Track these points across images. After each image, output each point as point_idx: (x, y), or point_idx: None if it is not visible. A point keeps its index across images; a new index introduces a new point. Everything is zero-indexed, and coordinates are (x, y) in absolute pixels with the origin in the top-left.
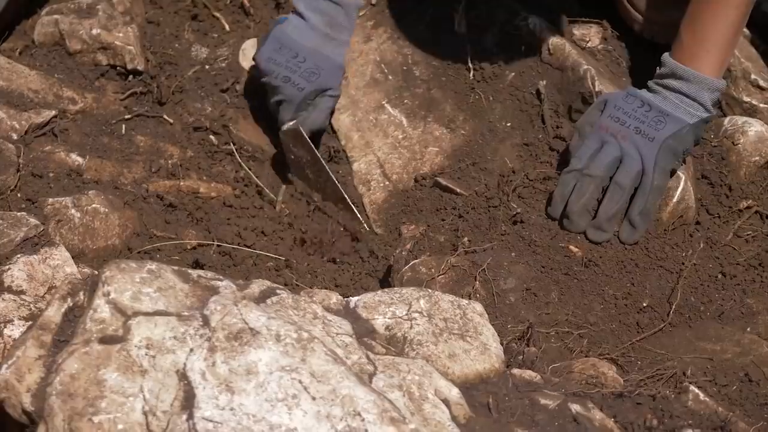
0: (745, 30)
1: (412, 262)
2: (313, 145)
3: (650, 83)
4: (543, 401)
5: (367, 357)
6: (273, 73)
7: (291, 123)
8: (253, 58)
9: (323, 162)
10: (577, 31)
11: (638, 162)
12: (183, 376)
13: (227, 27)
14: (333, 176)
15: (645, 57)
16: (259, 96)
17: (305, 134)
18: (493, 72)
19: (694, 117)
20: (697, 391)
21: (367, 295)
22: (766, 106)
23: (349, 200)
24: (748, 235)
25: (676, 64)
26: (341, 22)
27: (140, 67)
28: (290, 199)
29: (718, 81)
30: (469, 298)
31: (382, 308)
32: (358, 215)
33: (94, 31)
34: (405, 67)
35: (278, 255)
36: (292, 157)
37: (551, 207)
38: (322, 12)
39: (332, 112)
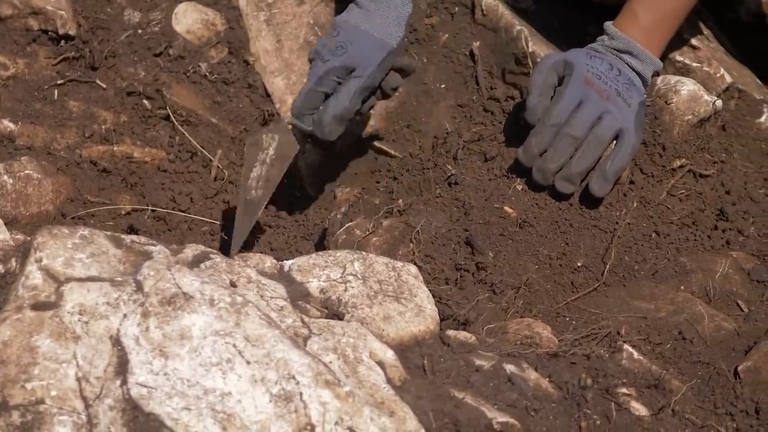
0: None
1: (346, 225)
2: (287, 168)
3: (603, 50)
4: (478, 362)
5: (302, 320)
6: (311, 53)
7: (288, 117)
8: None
9: (276, 185)
10: None
11: (619, 121)
12: (116, 341)
13: None
14: (264, 203)
15: (578, 17)
16: (194, 60)
17: (293, 138)
18: (427, 34)
19: (643, 95)
20: (631, 349)
21: (301, 259)
22: (698, 65)
23: (248, 229)
24: (681, 194)
25: (633, 43)
26: (402, 11)
27: (72, 32)
28: (226, 163)
29: (660, 63)
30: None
31: (317, 271)
32: (238, 243)
33: None
34: None
35: (213, 219)
36: (265, 141)
37: (525, 154)
38: (383, 3)
39: (365, 102)
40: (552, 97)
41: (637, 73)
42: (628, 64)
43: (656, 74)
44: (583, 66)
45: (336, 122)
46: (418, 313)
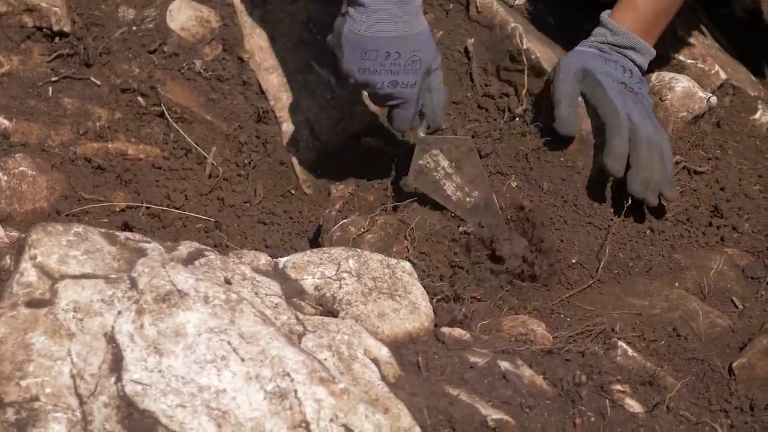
0: None
1: (341, 222)
2: (479, 157)
3: (608, 49)
4: (472, 359)
5: (296, 317)
6: (377, 84)
7: (462, 137)
8: (343, 73)
9: (486, 175)
10: None
11: (652, 122)
12: (111, 338)
13: None
14: (493, 194)
15: (572, 14)
16: (188, 57)
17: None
18: None
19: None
20: (625, 346)
21: (296, 256)
22: (693, 62)
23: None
24: (676, 190)
25: (636, 38)
26: None
27: (67, 29)
28: (221, 160)
29: (654, 52)
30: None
31: (311, 268)
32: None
33: None
34: (333, 27)
35: (208, 216)
36: (428, 164)
37: (615, 162)
38: None
39: None
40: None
41: (640, 67)
42: (631, 60)
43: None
44: (607, 77)
45: (443, 113)
46: (412, 310)
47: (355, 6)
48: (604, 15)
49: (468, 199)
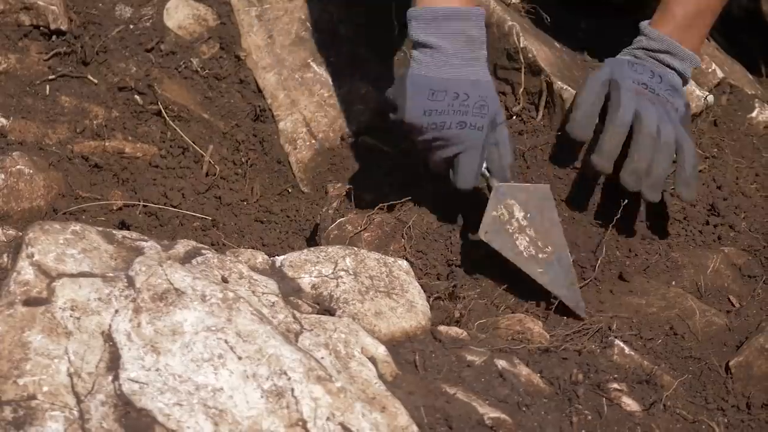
0: None
1: (338, 221)
2: (555, 208)
3: (640, 53)
4: (469, 357)
5: (293, 316)
6: (444, 125)
7: (540, 185)
8: (402, 121)
9: (561, 229)
10: None
11: (675, 127)
12: (108, 337)
13: None
14: (568, 250)
15: (569, 13)
16: (186, 55)
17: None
18: None
19: (685, 97)
20: (622, 345)
21: (293, 254)
22: None
23: (576, 286)
24: (673, 189)
25: (672, 41)
26: (474, 35)
27: (64, 27)
28: (218, 158)
29: (698, 59)
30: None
31: (308, 267)
32: (581, 307)
33: None
34: (330, 26)
35: (205, 215)
36: (501, 216)
37: (601, 158)
38: (452, 33)
39: None
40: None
41: (678, 72)
42: (668, 65)
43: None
44: (628, 79)
45: (510, 170)
46: (409, 308)
47: (421, 48)
48: (643, 23)
49: (541, 256)
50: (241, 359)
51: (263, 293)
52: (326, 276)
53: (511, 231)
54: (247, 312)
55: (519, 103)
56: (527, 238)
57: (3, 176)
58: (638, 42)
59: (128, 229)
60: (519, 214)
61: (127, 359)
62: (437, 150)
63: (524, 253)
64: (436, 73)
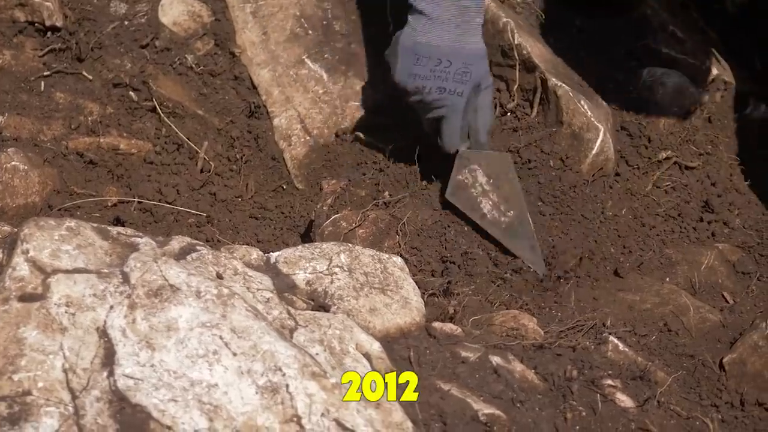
0: None
1: (333, 217)
2: (516, 176)
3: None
4: (464, 354)
5: (288, 312)
6: (424, 89)
7: (501, 153)
8: (393, 80)
9: (522, 195)
10: None
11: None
12: (103, 333)
13: None
14: (528, 215)
15: (563, 10)
16: (180, 52)
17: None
18: None
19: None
20: (616, 341)
21: (287, 251)
22: (684, 57)
23: (535, 244)
24: (667, 185)
25: None
26: (467, 4)
27: (59, 24)
28: (213, 155)
29: None
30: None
31: (303, 263)
32: (540, 264)
33: None
34: (325, 22)
35: (199, 211)
36: (466, 180)
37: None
38: (445, 1)
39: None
40: None
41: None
42: None
43: None
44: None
45: (489, 134)
46: (404, 305)
47: (415, 14)
48: None
49: (503, 219)
50: (236, 355)
51: (258, 289)
52: (321, 272)
53: (475, 194)
54: (242, 308)
55: (513, 100)
56: (490, 202)
57: None
58: None
59: (123, 226)
60: (482, 179)
61: (122, 355)
62: (423, 113)
63: (488, 215)
64: (424, 38)
